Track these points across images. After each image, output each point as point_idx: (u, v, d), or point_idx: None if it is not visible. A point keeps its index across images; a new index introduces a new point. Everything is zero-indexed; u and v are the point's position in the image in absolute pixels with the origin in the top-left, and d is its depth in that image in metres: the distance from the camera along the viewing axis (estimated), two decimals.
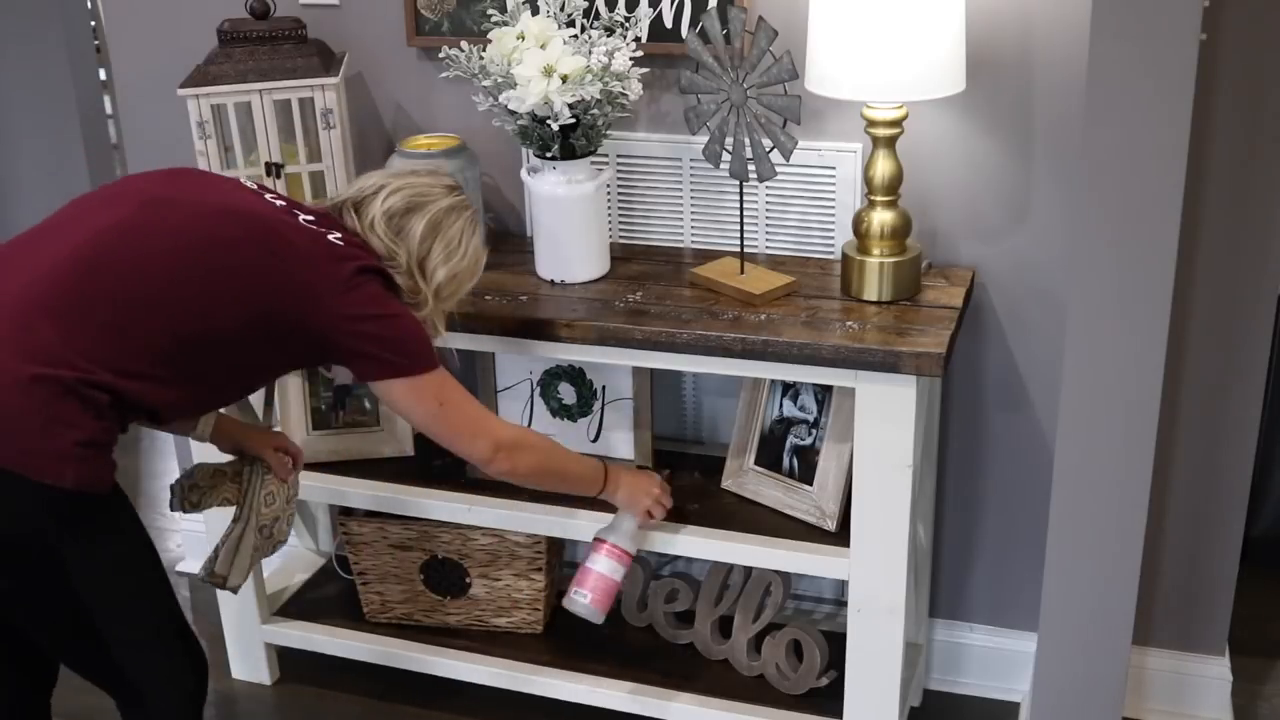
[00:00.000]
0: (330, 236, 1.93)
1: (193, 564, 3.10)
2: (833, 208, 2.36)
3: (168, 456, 3.66)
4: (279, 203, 1.96)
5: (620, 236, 2.51)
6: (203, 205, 1.87)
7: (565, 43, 2.14)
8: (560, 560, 2.70)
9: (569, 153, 2.23)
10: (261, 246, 1.85)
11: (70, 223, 1.85)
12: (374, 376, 1.95)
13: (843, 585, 2.45)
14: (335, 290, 1.87)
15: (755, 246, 2.43)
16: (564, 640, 2.60)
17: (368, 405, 2.58)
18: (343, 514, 2.64)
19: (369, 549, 2.63)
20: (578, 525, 2.36)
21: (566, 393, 2.45)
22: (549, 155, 2.24)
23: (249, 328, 1.85)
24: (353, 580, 2.71)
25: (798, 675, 2.42)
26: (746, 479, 2.40)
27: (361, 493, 2.49)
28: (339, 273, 1.88)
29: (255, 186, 2.01)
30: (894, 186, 2.14)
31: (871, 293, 2.18)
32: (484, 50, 2.22)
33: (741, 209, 2.27)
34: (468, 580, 2.61)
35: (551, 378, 2.45)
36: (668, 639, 2.59)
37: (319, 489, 2.52)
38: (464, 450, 2.05)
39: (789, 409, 2.35)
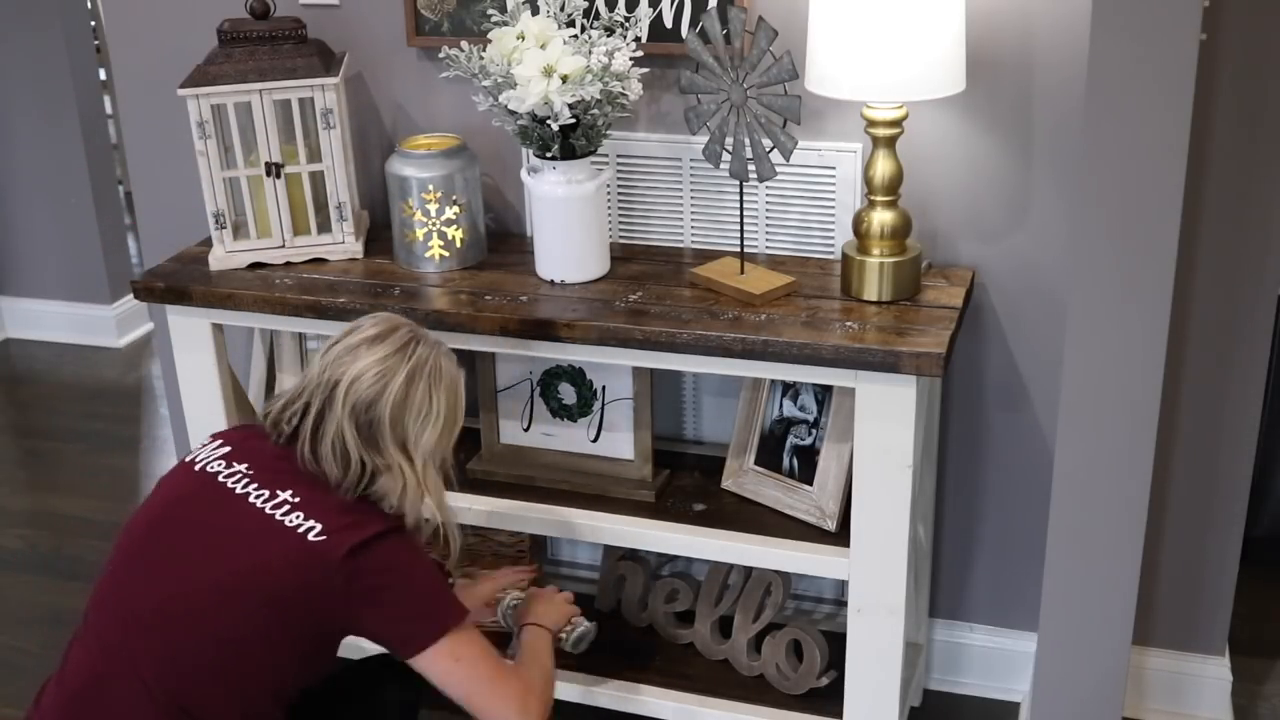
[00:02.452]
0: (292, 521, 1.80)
1: None
2: (833, 208, 2.36)
3: (168, 456, 3.66)
4: (240, 489, 1.83)
5: (620, 236, 2.51)
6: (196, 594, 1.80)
7: (565, 43, 2.14)
8: (543, 560, 2.70)
9: (569, 153, 2.23)
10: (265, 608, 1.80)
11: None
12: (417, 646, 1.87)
13: (843, 585, 2.44)
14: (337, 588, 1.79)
15: (755, 246, 2.43)
16: None
17: None
18: None
19: None
20: (573, 525, 2.36)
21: (566, 393, 2.45)
22: (549, 155, 2.24)
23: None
24: None
25: (798, 675, 2.42)
26: (746, 479, 2.40)
27: None
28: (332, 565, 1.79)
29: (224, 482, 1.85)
30: (894, 186, 2.14)
31: (871, 293, 2.18)
32: (484, 50, 2.22)
33: (741, 209, 2.27)
34: (450, 582, 2.60)
35: (551, 378, 2.45)
36: (668, 639, 2.58)
37: None
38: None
39: (789, 409, 2.35)
